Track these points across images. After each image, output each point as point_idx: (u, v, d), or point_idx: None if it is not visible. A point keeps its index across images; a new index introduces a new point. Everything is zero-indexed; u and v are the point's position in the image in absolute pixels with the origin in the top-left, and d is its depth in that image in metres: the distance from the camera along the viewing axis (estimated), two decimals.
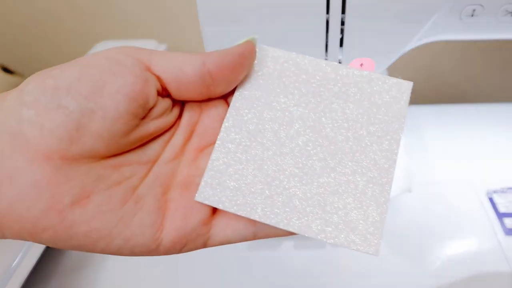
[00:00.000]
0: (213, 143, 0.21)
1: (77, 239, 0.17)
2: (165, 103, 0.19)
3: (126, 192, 0.18)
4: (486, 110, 0.53)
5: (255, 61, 0.21)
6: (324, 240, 0.18)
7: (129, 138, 0.18)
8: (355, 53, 0.30)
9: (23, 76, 0.62)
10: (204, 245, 0.19)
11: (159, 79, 0.18)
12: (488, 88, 0.69)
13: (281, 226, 0.19)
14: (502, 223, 0.39)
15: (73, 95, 0.16)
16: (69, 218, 0.16)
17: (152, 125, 0.19)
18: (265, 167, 0.20)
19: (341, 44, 0.29)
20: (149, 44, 0.58)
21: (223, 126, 0.20)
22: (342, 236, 0.18)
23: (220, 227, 0.19)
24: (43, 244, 0.17)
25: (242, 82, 0.21)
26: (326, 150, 0.20)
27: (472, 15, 0.27)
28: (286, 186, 0.19)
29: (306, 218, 0.19)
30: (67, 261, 0.38)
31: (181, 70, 0.18)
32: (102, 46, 0.58)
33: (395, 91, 0.20)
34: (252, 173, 0.20)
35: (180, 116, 0.21)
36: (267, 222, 0.19)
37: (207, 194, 0.19)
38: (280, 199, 0.19)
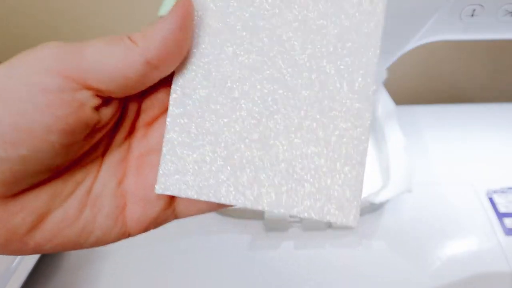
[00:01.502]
0: (161, 113, 0.19)
1: (47, 252, 0.17)
2: (108, 110, 0.17)
3: (81, 199, 0.17)
4: (486, 110, 0.53)
5: None
6: (297, 214, 0.17)
7: (73, 157, 0.16)
8: None
9: None
10: (174, 219, 0.19)
11: (97, 90, 0.15)
12: (488, 88, 0.69)
13: (249, 206, 0.17)
14: (502, 223, 0.39)
15: None
16: (31, 243, 0.16)
17: (98, 134, 0.17)
18: (223, 139, 0.17)
19: None
20: None
21: (170, 99, 0.18)
22: (316, 207, 0.17)
23: (182, 206, 0.19)
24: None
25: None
26: (288, 103, 0.17)
27: (472, 15, 0.27)
28: (249, 158, 0.17)
29: (275, 192, 0.17)
30: (67, 261, 0.38)
31: (123, 77, 0.15)
32: None
33: (367, 3, 0.17)
34: (210, 150, 0.17)
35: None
36: (234, 203, 0.17)
37: (166, 185, 0.17)
38: (243, 174, 0.17)
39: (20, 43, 0.71)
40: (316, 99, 0.17)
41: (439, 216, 0.40)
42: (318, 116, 0.17)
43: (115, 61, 0.15)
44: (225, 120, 0.17)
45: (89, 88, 0.15)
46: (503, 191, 0.42)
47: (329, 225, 0.40)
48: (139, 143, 0.19)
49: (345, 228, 0.40)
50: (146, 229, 0.18)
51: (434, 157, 0.47)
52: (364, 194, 0.39)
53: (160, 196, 0.18)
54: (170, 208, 0.19)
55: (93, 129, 0.16)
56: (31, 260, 0.35)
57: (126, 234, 0.18)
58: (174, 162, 0.18)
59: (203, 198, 0.17)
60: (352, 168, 0.17)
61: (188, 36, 0.17)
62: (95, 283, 0.37)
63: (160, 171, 0.18)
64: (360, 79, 0.17)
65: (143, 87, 0.17)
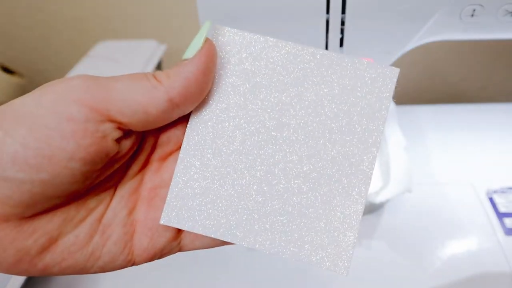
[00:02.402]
0: (176, 149, 0.20)
1: (54, 274, 0.17)
2: (128, 142, 0.18)
3: (92, 225, 0.18)
4: (486, 110, 0.53)
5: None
6: (291, 259, 0.18)
7: (90, 184, 0.17)
8: (355, 53, 0.30)
9: (23, 76, 0.62)
10: (178, 251, 0.20)
11: (120, 123, 0.16)
12: (488, 88, 0.69)
13: (247, 245, 0.18)
14: (502, 223, 0.39)
15: (20, 166, 0.15)
16: (40, 264, 0.17)
17: (116, 165, 0.18)
18: (231, 182, 0.19)
19: (341, 44, 0.29)
20: (149, 44, 0.58)
21: (184, 138, 0.19)
22: (311, 257, 0.18)
23: (188, 240, 0.20)
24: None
25: None
26: (296, 161, 0.19)
27: (472, 15, 0.27)
28: (253, 203, 0.19)
29: (273, 237, 0.18)
30: None
31: (146, 113, 0.16)
32: (102, 46, 0.58)
33: (381, 81, 0.18)
34: (216, 190, 0.19)
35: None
36: (233, 241, 0.18)
37: (171, 217, 0.19)
38: (246, 217, 0.18)
39: (20, 43, 0.71)
40: (324, 163, 0.18)
41: (439, 216, 0.40)
42: (322, 179, 0.18)
43: (139, 97, 0.16)
44: (235, 166, 0.19)
45: (112, 120, 0.16)
46: (503, 191, 0.42)
47: None
48: (153, 176, 0.19)
49: None
50: (151, 258, 0.19)
51: (434, 157, 0.47)
52: None
53: (168, 228, 0.19)
54: (177, 240, 0.19)
55: (111, 159, 0.17)
56: None
57: (132, 262, 0.19)
58: (181, 197, 0.19)
59: (204, 233, 0.18)
60: (347, 229, 0.18)
61: (210, 79, 0.18)
62: (95, 283, 0.37)
63: (166, 204, 0.19)
64: (362, 160, 0.18)
65: (163, 123, 0.18)
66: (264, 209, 0.18)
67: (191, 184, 0.19)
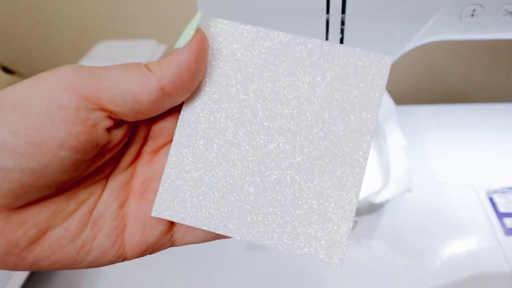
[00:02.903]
0: (168, 142, 0.19)
1: (43, 269, 0.17)
2: (119, 132, 0.17)
3: (82, 218, 0.17)
4: (486, 110, 0.53)
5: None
6: (286, 251, 0.18)
7: (80, 175, 0.17)
8: None
9: (23, 76, 0.62)
10: (170, 246, 0.19)
11: (111, 112, 0.16)
12: (488, 88, 0.69)
13: (239, 237, 0.18)
14: (502, 223, 0.39)
15: (10, 155, 0.14)
16: (29, 258, 0.16)
17: (106, 155, 0.18)
18: (223, 173, 0.18)
19: None
20: (149, 44, 0.58)
21: (176, 129, 0.19)
22: (305, 249, 0.18)
23: (181, 233, 0.19)
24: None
25: None
26: (289, 151, 0.18)
27: (472, 15, 0.27)
28: (245, 194, 0.18)
29: (266, 229, 0.18)
30: None
31: (137, 102, 0.16)
32: (102, 46, 0.58)
33: (374, 69, 0.18)
34: (209, 181, 0.18)
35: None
36: (225, 233, 0.18)
37: (162, 209, 0.18)
38: (238, 209, 0.18)
39: (20, 43, 0.71)
40: (317, 154, 0.18)
41: (439, 216, 0.40)
42: (316, 168, 0.18)
43: (130, 85, 0.16)
44: (228, 157, 0.18)
45: (103, 109, 0.16)
46: (503, 191, 0.42)
47: None
48: (144, 168, 0.19)
49: None
50: (143, 253, 0.19)
51: (434, 157, 0.47)
52: (364, 194, 0.39)
53: (160, 220, 0.19)
54: (169, 234, 0.19)
55: (102, 149, 0.17)
56: None
57: (123, 257, 0.18)
58: (173, 189, 0.18)
59: (197, 225, 0.18)
60: (341, 220, 0.18)
61: (201, 68, 0.18)
62: (95, 283, 0.37)
63: (158, 196, 0.18)
64: (357, 138, 0.18)
65: (155, 113, 0.18)
66: (257, 201, 0.18)
67: (183, 176, 0.18)
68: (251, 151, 0.18)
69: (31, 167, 0.15)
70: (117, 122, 0.17)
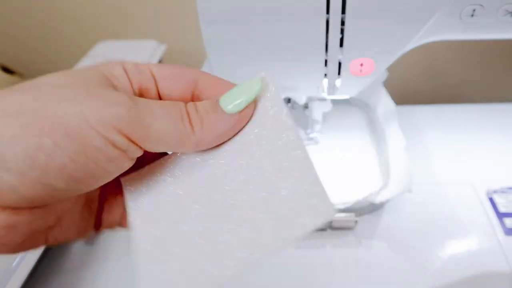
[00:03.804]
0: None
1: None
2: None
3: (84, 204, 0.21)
4: (486, 110, 0.53)
5: None
6: (279, 251, 0.18)
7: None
8: (355, 53, 0.30)
9: (23, 76, 0.62)
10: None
11: (145, 153, 0.18)
12: (488, 88, 0.69)
13: (237, 274, 0.18)
14: (502, 223, 0.39)
15: (64, 178, 0.16)
16: (50, 238, 0.20)
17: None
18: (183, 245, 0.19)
19: (341, 44, 0.29)
20: (149, 44, 0.58)
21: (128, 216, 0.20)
22: (294, 230, 0.18)
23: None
24: None
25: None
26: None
27: (472, 15, 0.27)
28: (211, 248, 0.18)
29: (250, 247, 0.18)
30: (67, 261, 0.38)
31: (170, 150, 0.19)
32: (102, 46, 0.58)
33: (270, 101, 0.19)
34: (178, 255, 0.19)
35: None
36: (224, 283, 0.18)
37: None
38: (212, 260, 0.18)
39: (20, 43, 0.71)
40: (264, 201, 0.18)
41: (439, 216, 0.40)
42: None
43: (172, 142, 0.18)
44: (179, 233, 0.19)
45: (141, 149, 0.18)
46: (503, 191, 0.42)
47: (330, 225, 0.40)
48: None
49: (345, 228, 0.39)
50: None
51: (434, 157, 0.47)
52: (364, 194, 0.39)
53: None
54: None
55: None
56: (31, 260, 0.35)
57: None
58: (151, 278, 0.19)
59: None
60: (312, 184, 0.18)
61: (233, 133, 0.19)
62: (95, 283, 0.37)
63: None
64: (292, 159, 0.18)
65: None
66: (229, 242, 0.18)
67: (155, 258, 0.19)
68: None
69: (80, 189, 0.17)
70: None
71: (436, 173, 0.45)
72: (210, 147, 0.19)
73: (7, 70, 0.61)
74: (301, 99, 0.40)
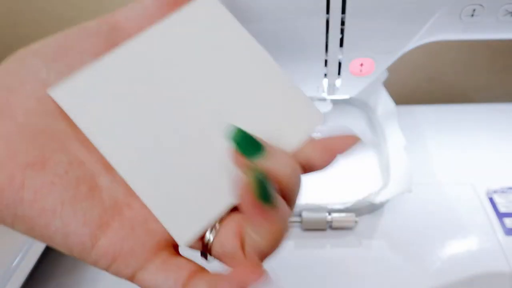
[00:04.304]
0: None
1: (21, 207, 0.15)
2: None
3: (86, 174, 0.17)
4: (486, 110, 0.53)
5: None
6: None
7: None
8: (355, 53, 0.30)
9: None
10: (132, 276, 0.17)
11: (128, 29, 0.20)
12: (488, 88, 0.69)
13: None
14: (502, 223, 0.39)
15: (40, 57, 0.18)
16: (18, 179, 0.15)
17: None
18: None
19: (341, 44, 0.29)
20: None
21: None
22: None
23: (157, 266, 0.17)
24: None
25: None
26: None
27: (472, 15, 0.27)
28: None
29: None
30: (67, 261, 0.38)
31: (143, 7, 0.21)
32: None
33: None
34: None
35: None
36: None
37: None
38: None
39: (20, 43, 0.71)
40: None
41: (439, 216, 0.40)
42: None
43: (137, 2, 0.20)
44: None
45: (122, 29, 0.20)
46: (503, 191, 0.42)
47: (330, 225, 0.40)
48: None
49: (345, 228, 0.39)
50: (113, 252, 0.17)
51: (434, 157, 0.47)
52: (364, 194, 0.39)
53: (148, 238, 0.18)
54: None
55: None
56: (31, 260, 0.35)
57: (94, 240, 0.17)
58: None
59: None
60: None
61: None
62: (95, 283, 0.37)
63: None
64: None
65: None
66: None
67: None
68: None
69: (56, 68, 0.18)
70: None
71: (436, 173, 0.45)
72: None
73: None
74: None
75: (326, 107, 0.41)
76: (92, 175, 0.17)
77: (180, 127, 0.18)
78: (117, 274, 0.17)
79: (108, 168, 0.17)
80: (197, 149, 0.18)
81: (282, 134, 0.18)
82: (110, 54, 0.18)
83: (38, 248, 0.36)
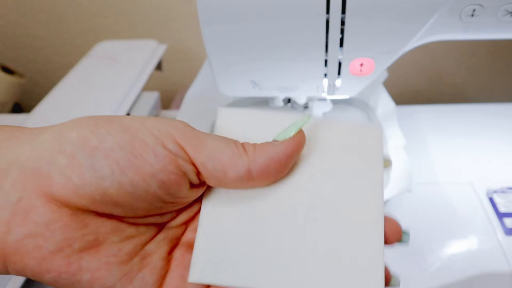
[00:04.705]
0: None
1: (79, 286, 0.17)
2: (196, 192, 0.19)
3: (136, 247, 0.18)
4: (486, 110, 0.53)
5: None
6: None
7: (149, 212, 0.18)
8: (355, 53, 0.30)
9: (23, 76, 0.62)
10: None
11: (199, 173, 0.18)
12: (488, 88, 0.69)
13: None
14: (502, 223, 0.39)
15: (110, 163, 0.16)
16: (75, 264, 0.16)
17: (176, 207, 0.19)
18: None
19: (341, 44, 0.29)
20: (149, 44, 0.58)
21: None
22: None
23: None
24: (47, 284, 0.17)
25: None
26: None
27: (472, 15, 0.27)
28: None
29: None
30: None
31: (224, 174, 0.18)
32: (102, 46, 0.58)
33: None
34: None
35: None
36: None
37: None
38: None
39: (20, 43, 0.71)
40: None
41: (439, 216, 0.40)
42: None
43: (223, 157, 0.18)
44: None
45: (194, 166, 0.18)
46: (503, 191, 0.42)
47: None
48: (194, 229, 0.20)
49: None
50: None
51: (434, 157, 0.47)
52: None
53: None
54: None
55: (178, 199, 0.18)
56: None
57: None
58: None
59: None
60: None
61: (289, 165, 0.19)
62: None
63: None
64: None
65: (234, 188, 0.19)
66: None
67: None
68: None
69: (121, 181, 0.16)
70: (201, 183, 0.19)
71: (436, 173, 0.45)
72: (262, 171, 0.18)
73: (7, 70, 0.62)
74: (301, 99, 0.40)
75: (326, 107, 0.41)
76: (141, 245, 0.18)
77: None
78: None
79: (153, 235, 0.19)
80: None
81: None
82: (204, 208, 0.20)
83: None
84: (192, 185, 0.18)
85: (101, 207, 0.17)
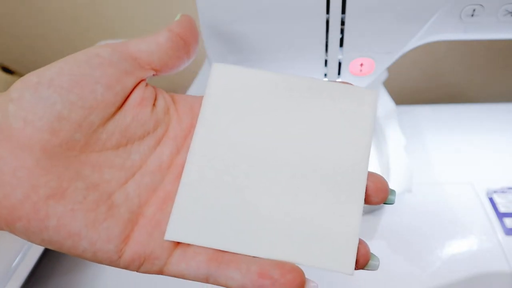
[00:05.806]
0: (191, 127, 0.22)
1: (47, 233, 0.17)
2: (145, 92, 0.21)
3: (102, 196, 0.18)
4: (486, 110, 0.53)
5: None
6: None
7: (107, 128, 0.19)
8: (355, 53, 0.30)
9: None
10: (160, 271, 0.19)
11: (139, 60, 0.20)
12: (488, 88, 0.69)
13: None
14: (502, 223, 0.39)
15: (55, 89, 0.18)
16: (43, 211, 0.17)
17: (129, 114, 0.19)
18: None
19: (341, 44, 0.29)
20: None
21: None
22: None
23: (177, 258, 0.19)
24: (17, 235, 0.17)
25: (204, 106, 0.21)
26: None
27: (472, 15, 0.27)
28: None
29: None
30: (67, 261, 0.38)
31: (156, 43, 0.21)
32: None
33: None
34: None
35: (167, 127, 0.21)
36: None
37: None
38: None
39: (20, 43, 0.71)
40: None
41: (439, 216, 0.40)
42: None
43: (149, 37, 0.21)
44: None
45: (133, 58, 0.20)
46: (503, 191, 0.42)
47: None
48: (171, 180, 0.20)
49: None
50: (138, 257, 0.19)
51: (434, 157, 0.47)
52: None
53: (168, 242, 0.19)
54: (169, 252, 0.19)
55: (127, 101, 0.20)
56: (31, 260, 0.35)
57: (120, 253, 0.18)
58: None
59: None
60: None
61: (196, 29, 0.23)
62: (95, 283, 0.37)
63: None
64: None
65: (176, 65, 0.22)
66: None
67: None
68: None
69: (71, 99, 0.18)
70: (147, 73, 0.21)
71: (436, 173, 0.45)
72: (182, 28, 0.22)
73: (7, 70, 0.61)
74: None
75: None
76: (108, 194, 0.18)
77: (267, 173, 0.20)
78: (147, 273, 0.19)
79: (121, 184, 0.19)
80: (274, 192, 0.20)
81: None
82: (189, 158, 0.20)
83: (38, 248, 0.36)
84: (138, 83, 0.20)
85: (62, 135, 0.17)
